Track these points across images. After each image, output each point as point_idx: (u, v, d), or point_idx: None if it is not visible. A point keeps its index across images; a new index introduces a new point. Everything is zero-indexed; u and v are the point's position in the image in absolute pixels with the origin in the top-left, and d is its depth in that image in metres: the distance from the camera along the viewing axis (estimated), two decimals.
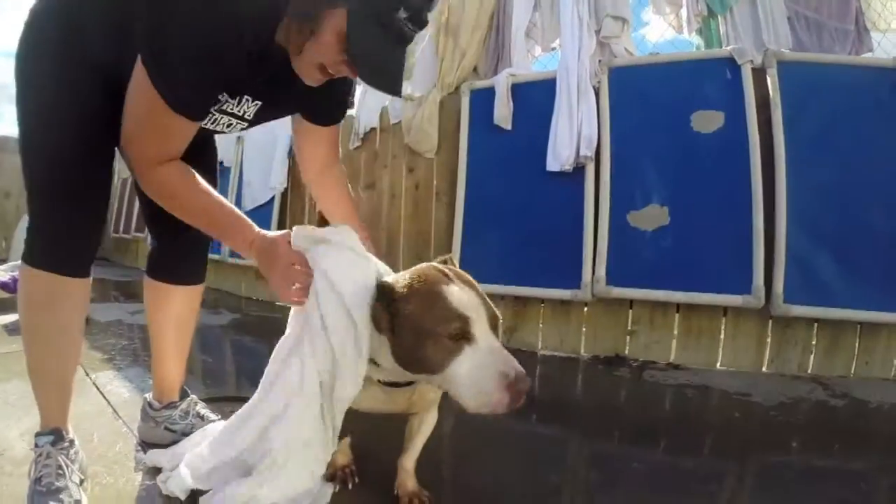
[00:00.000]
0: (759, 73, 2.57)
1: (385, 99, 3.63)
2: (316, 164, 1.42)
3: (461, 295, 0.90)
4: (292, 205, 4.40)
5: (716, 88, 2.60)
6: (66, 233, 1.13)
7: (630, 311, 2.75)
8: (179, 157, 1.08)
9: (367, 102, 3.75)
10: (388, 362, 0.96)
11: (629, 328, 2.75)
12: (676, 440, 1.72)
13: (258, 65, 1.07)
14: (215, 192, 1.09)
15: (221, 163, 5.06)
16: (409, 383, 1.04)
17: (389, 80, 1.04)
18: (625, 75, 2.79)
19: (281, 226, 4.27)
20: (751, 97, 2.51)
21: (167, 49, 0.96)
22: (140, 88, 0.99)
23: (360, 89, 3.72)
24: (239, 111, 1.21)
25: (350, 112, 3.95)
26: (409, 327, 0.90)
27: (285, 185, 4.30)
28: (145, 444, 1.41)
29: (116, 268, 6.72)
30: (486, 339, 0.89)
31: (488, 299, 0.94)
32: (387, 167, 3.73)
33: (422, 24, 1.01)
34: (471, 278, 0.97)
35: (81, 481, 1.11)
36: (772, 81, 2.53)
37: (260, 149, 4.48)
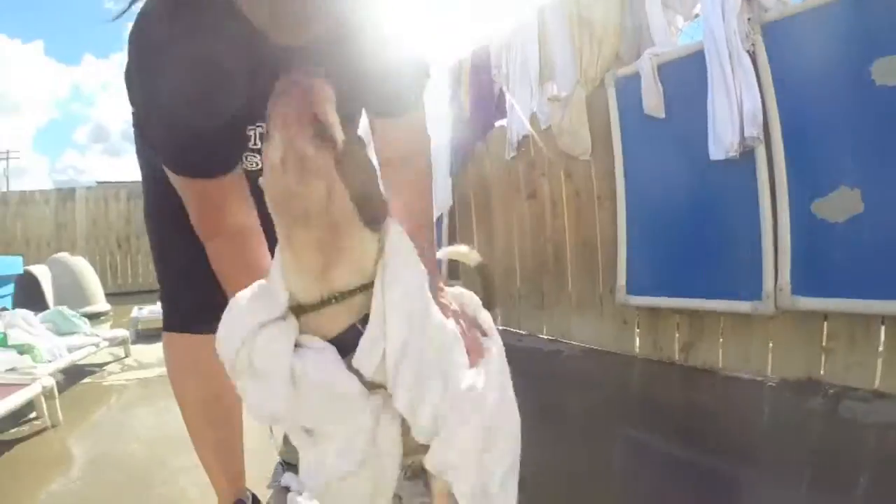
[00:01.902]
0: None
1: (531, 103, 3.42)
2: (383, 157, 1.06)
3: None
4: (461, 223, 4.44)
5: None
6: (184, 294, 1.11)
7: (825, 323, 2.13)
8: (237, 225, 0.93)
9: (516, 109, 3.58)
10: None
11: (823, 345, 2.14)
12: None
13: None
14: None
15: None
16: None
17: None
18: (782, 30, 2.16)
19: (451, 237, 4.34)
20: None
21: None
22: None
23: (509, 96, 3.60)
24: None
25: (501, 122, 3.85)
26: None
27: (450, 203, 4.35)
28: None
29: None
30: None
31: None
32: (545, 175, 3.53)
33: None
34: None
35: None
36: None
37: None
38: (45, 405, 2.02)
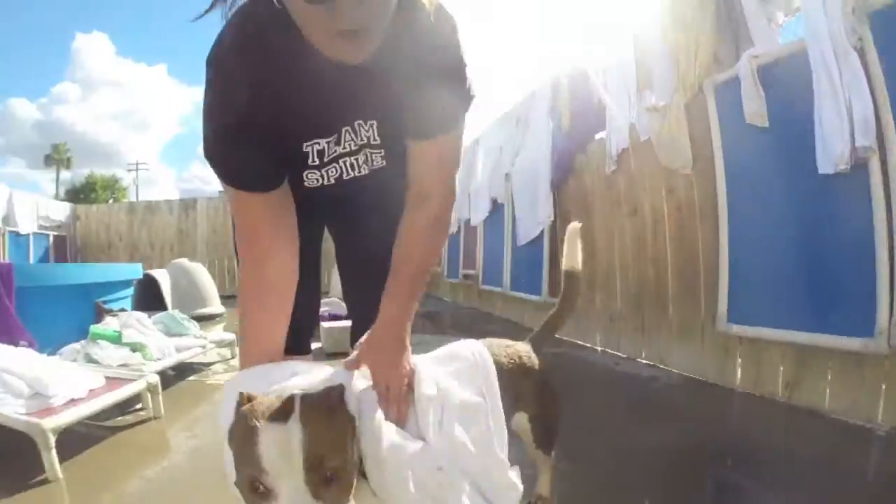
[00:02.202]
0: None
1: (630, 114, 3.25)
2: (413, 186, 1.06)
3: (270, 438, 0.69)
4: (563, 238, 4.33)
5: None
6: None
7: None
8: (270, 248, 0.99)
9: (615, 120, 3.43)
10: None
11: None
12: None
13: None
14: (272, 312, 1.01)
15: (495, 200, 5.43)
16: None
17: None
18: (893, 19, 1.82)
19: (552, 260, 4.25)
20: None
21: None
22: None
23: (608, 105, 3.46)
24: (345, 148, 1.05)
25: (601, 134, 3.71)
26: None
27: (552, 218, 4.27)
28: None
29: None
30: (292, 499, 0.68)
31: (315, 443, 0.69)
32: (646, 190, 3.33)
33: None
34: (319, 408, 0.74)
35: None
36: None
37: (526, 182, 4.57)
38: (149, 398, 2.27)
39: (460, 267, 6.76)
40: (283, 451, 0.68)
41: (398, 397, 0.93)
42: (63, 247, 9.97)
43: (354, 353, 0.98)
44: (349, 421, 0.79)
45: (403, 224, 1.04)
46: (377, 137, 1.04)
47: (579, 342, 3.96)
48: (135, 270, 4.46)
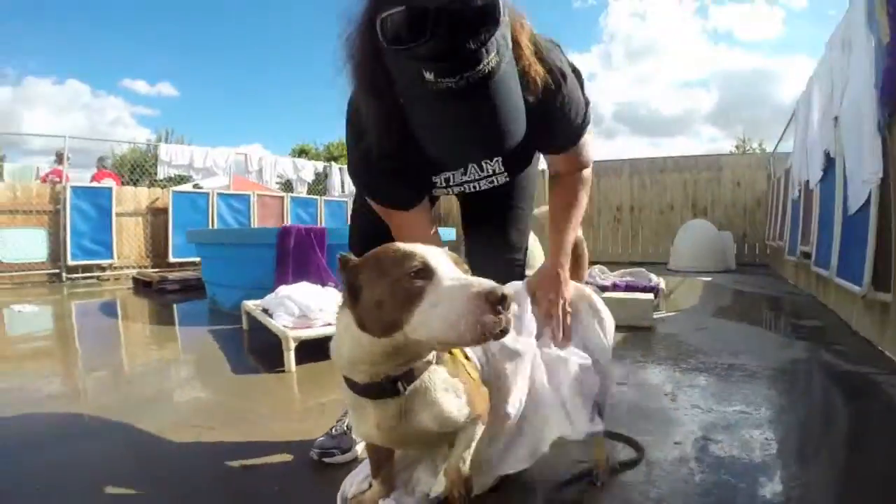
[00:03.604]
0: None
1: None
2: (549, 169, 1.41)
3: (413, 245, 0.89)
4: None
5: None
6: None
7: None
8: (417, 238, 1.23)
9: None
10: (357, 344, 0.90)
11: None
12: None
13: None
14: None
15: (828, 153, 3.99)
16: (394, 387, 0.93)
17: (453, 151, 1.03)
18: None
19: (881, 237, 2.95)
20: None
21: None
22: None
23: None
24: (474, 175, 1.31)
25: None
26: (367, 284, 0.87)
27: (880, 175, 2.94)
28: None
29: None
30: (448, 271, 0.84)
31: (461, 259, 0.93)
32: None
33: (454, 71, 0.81)
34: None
35: None
36: None
37: (851, 127, 3.24)
38: None
39: (798, 242, 5.30)
40: (429, 249, 0.88)
41: (556, 307, 1.28)
42: None
43: (528, 279, 1.36)
44: None
45: (550, 192, 1.38)
46: (502, 168, 1.29)
47: None
48: (449, 234, 4.95)
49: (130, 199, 8.52)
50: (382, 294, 0.83)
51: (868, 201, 3.08)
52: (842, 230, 3.69)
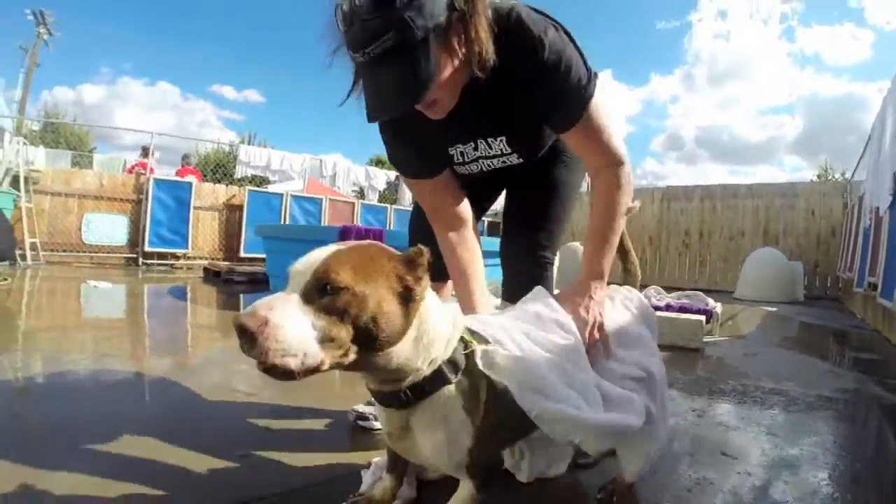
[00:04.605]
0: None
1: None
2: (583, 164, 1.41)
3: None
4: None
5: None
6: None
7: None
8: (453, 215, 1.42)
9: None
10: None
11: None
12: None
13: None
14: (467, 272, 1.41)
15: None
16: (398, 397, 0.90)
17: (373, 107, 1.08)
18: None
19: None
20: None
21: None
22: None
23: None
24: (483, 153, 1.37)
25: None
26: None
27: None
28: None
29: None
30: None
31: (326, 264, 0.78)
32: None
33: (358, 44, 0.99)
34: (361, 248, 0.85)
35: None
36: None
37: None
38: None
39: (866, 273, 5.02)
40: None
41: (585, 328, 1.15)
42: None
43: (562, 288, 1.30)
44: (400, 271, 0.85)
45: (591, 200, 1.30)
46: (508, 148, 1.34)
47: None
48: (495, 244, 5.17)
49: (209, 194, 9.14)
50: None
51: None
52: None
